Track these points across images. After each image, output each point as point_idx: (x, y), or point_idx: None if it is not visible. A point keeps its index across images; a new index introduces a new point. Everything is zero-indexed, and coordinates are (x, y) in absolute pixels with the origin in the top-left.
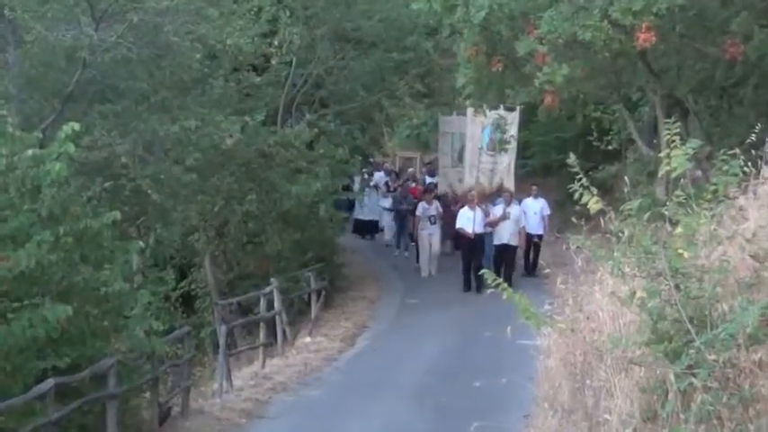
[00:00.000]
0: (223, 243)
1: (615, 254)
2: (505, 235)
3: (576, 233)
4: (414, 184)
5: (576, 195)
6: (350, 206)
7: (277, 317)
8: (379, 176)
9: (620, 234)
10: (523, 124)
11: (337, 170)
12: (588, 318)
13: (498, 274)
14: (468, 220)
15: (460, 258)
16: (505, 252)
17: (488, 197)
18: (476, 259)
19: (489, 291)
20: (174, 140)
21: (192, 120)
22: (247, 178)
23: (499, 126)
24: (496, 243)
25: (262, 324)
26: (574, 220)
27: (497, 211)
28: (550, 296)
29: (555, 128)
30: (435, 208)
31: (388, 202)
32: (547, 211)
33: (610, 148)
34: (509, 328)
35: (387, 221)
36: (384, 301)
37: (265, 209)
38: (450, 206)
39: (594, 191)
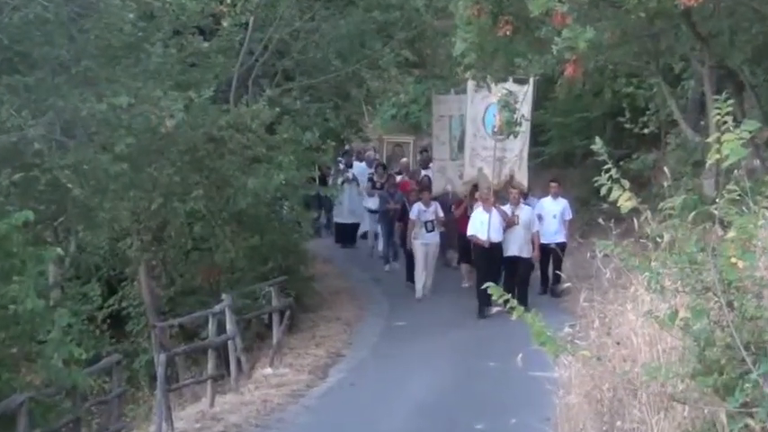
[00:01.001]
0: (162, 250)
1: (652, 263)
2: (514, 245)
3: (604, 238)
4: (406, 177)
5: (604, 191)
6: (321, 204)
7: (229, 342)
8: (360, 168)
9: (659, 239)
10: (538, 102)
11: (305, 159)
12: (619, 343)
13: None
14: (482, 225)
15: (475, 274)
16: (516, 267)
17: (497, 195)
18: (493, 274)
19: (495, 310)
20: (101, 121)
21: (123, 96)
22: (192, 169)
23: (507, 104)
24: (505, 255)
25: (210, 352)
26: (601, 221)
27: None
28: (571, 316)
29: (577, 107)
30: (434, 211)
31: (373, 202)
32: (569, 215)
33: (646, 131)
34: (519, 356)
35: (371, 226)
36: (364, 324)
37: (215, 207)
38: (451, 209)
39: (627, 185)
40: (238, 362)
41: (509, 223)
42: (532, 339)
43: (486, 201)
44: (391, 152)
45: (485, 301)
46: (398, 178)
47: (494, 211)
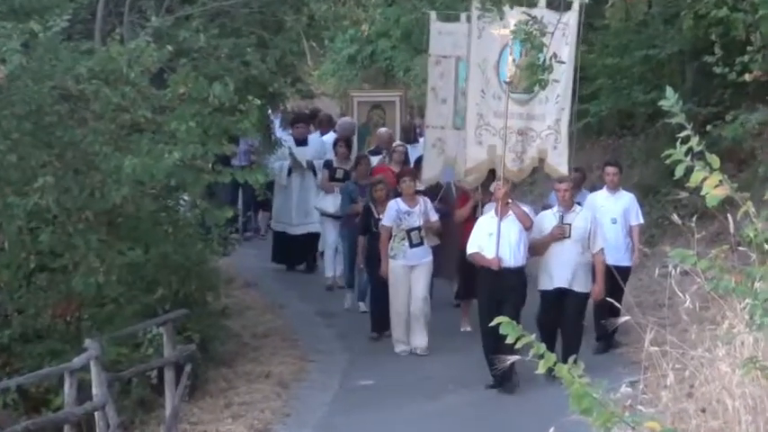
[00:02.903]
0: None
1: (757, 285)
2: (563, 271)
3: (682, 245)
4: (388, 161)
5: (680, 171)
6: (233, 196)
7: (96, 415)
8: (317, 144)
9: None
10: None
11: (214, 126)
12: (704, 410)
13: (550, 348)
14: (490, 238)
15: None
16: (564, 305)
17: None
18: (509, 312)
19: (512, 360)
20: None
21: None
22: (37, 143)
23: (530, 36)
24: (545, 288)
25: (68, 429)
26: (675, 218)
27: (544, 221)
28: (632, 368)
29: (639, 41)
30: (422, 212)
31: (331, 202)
32: (637, 219)
33: (746, 78)
34: (551, 431)
35: (329, 238)
36: (308, 384)
37: (73, 203)
38: (452, 209)
39: (716, 162)
40: None
41: (541, 241)
42: (570, 405)
43: (498, 199)
44: (366, 118)
45: (493, 348)
46: (375, 161)
47: (510, 215)
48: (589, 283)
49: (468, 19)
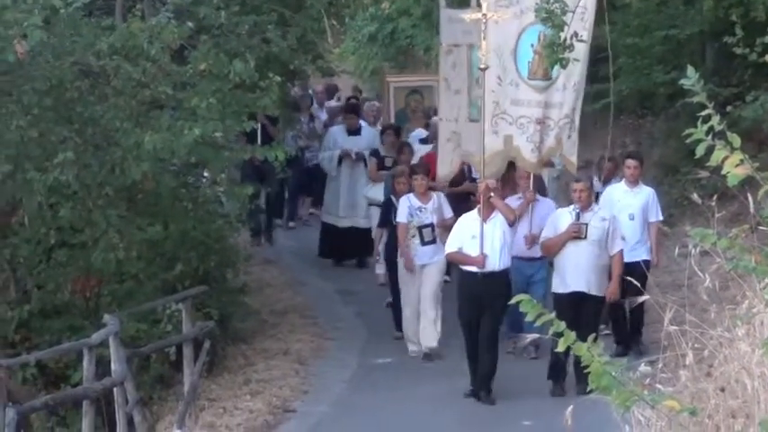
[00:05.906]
0: (10, 247)
1: None
2: (578, 274)
3: (702, 224)
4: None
5: (700, 151)
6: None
7: (115, 390)
8: (370, 135)
9: None
10: (598, 16)
11: (234, 103)
12: (724, 389)
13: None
14: (473, 240)
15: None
16: (581, 310)
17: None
18: (488, 326)
19: (530, 338)
20: None
21: None
22: (57, 119)
23: (552, 15)
24: (559, 291)
25: (87, 405)
26: (695, 197)
27: (560, 219)
28: (651, 347)
29: (659, 21)
30: (436, 209)
31: (380, 192)
32: (656, 215)
33: (767, 59)
34: (569, 410)
35: (377, 231)
36: (327, 361)
37: (92, 179)
38: (472, 202)
39: (737, 141)
40: (130, 420)
41: (552, 243)
42: (590, 382)
43: (490, 193)
44: (404, 103)
45: (475, 355)
46: (423, 150)
47: (494, 216)
48: (603, 286)
49: (479, 4)
